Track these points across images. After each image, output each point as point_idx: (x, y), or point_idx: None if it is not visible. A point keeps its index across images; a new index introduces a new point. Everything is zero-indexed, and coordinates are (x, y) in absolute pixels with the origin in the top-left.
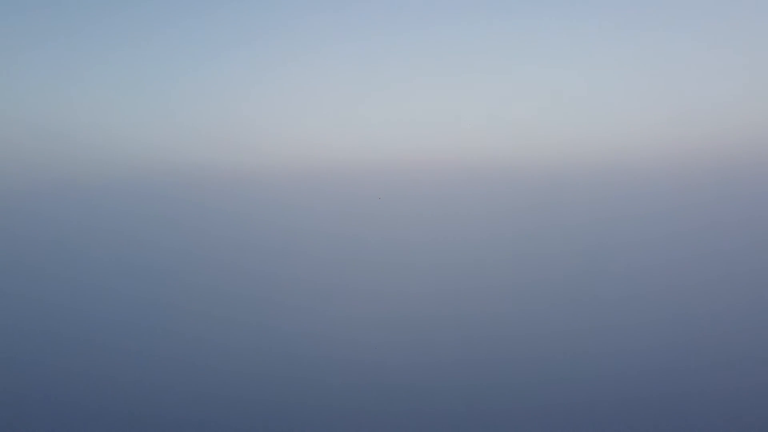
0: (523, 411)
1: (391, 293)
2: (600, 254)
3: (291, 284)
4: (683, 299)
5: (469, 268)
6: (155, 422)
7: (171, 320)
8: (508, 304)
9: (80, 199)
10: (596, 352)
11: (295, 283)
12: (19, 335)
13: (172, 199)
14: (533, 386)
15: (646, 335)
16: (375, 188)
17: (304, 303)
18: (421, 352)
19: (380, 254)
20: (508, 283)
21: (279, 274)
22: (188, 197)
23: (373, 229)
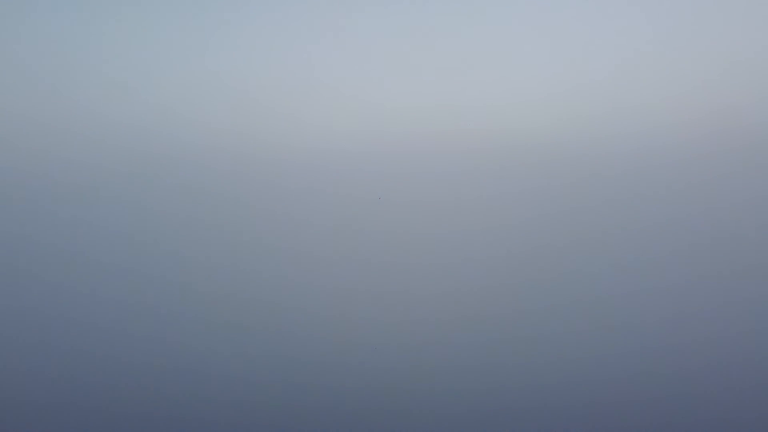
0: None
1: (399, 292)
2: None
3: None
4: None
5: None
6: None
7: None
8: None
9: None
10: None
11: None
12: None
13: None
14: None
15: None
16: (381, 180)
17: (305, 303)
18: (429, 355)
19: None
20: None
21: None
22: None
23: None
